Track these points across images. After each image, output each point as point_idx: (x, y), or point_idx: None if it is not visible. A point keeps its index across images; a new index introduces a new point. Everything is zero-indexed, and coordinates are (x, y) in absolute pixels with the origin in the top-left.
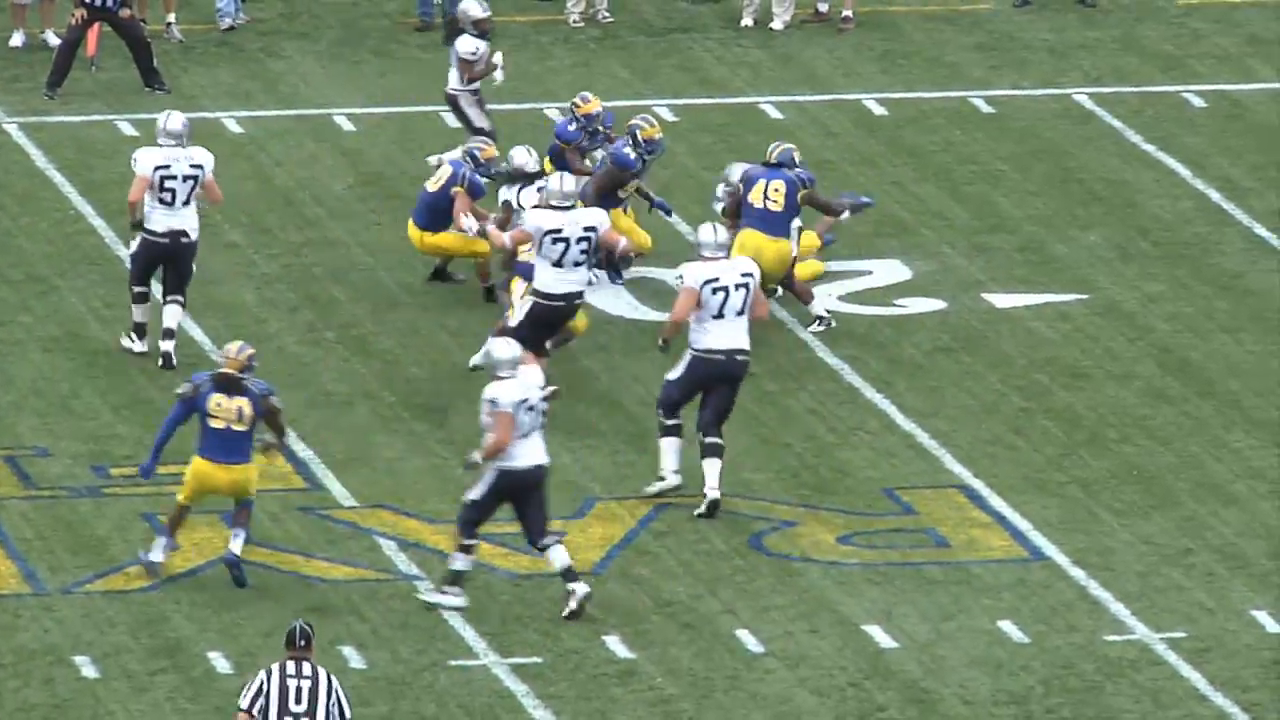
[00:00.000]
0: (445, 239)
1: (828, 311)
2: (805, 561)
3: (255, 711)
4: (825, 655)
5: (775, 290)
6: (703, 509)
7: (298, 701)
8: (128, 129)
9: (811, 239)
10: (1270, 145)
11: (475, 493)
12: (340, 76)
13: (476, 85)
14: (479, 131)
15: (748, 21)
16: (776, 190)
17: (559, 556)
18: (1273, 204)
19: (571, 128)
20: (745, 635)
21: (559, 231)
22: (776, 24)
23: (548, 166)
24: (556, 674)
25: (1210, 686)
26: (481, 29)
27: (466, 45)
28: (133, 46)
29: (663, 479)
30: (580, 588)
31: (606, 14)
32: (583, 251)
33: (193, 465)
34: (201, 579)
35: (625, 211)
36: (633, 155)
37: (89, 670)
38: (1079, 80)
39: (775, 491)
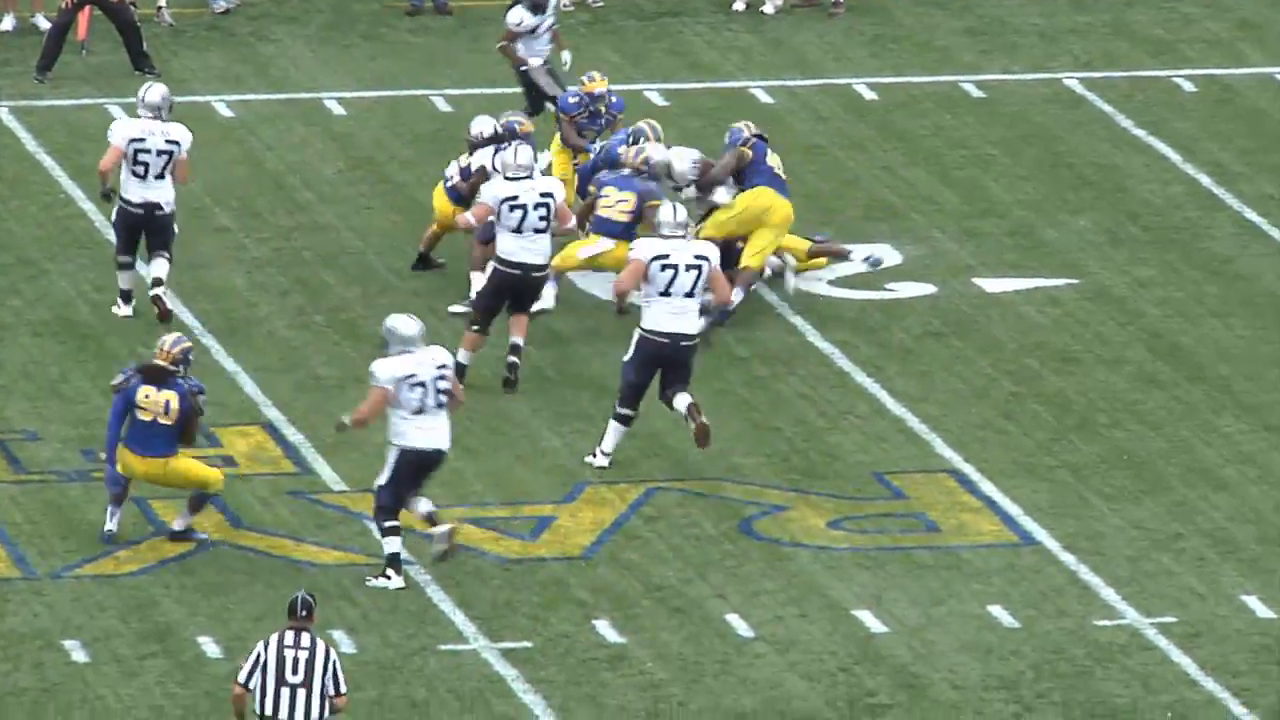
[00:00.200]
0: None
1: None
2: (795, 546)
3: (251, 685)
4: (815, 640)
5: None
6: (597, 463)
7: (294, 672)
8: (118, 113)
9: (799, 243)
10: (1260, 130)
11: (382, 477)
12: (330, 60)
13: (543, 55)
14: (550, 99)
15: (739, 6)
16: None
17: (422, 505)
18: (1263, 189)
19: (572, 100)
20: (735, 620)
21: (515, 199)
22: (768, 8)
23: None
24: (546, 658)
25: (1200, 671)
26: (536, 2)
27: (513, 16)
28: (123, 30)
29: (593, 456)
30: (442, 529)
31: None
32: (541, 218)
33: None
34: (191, 563)
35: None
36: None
37: (79, 654)
38: (1069, 65)
39: (765, 476)
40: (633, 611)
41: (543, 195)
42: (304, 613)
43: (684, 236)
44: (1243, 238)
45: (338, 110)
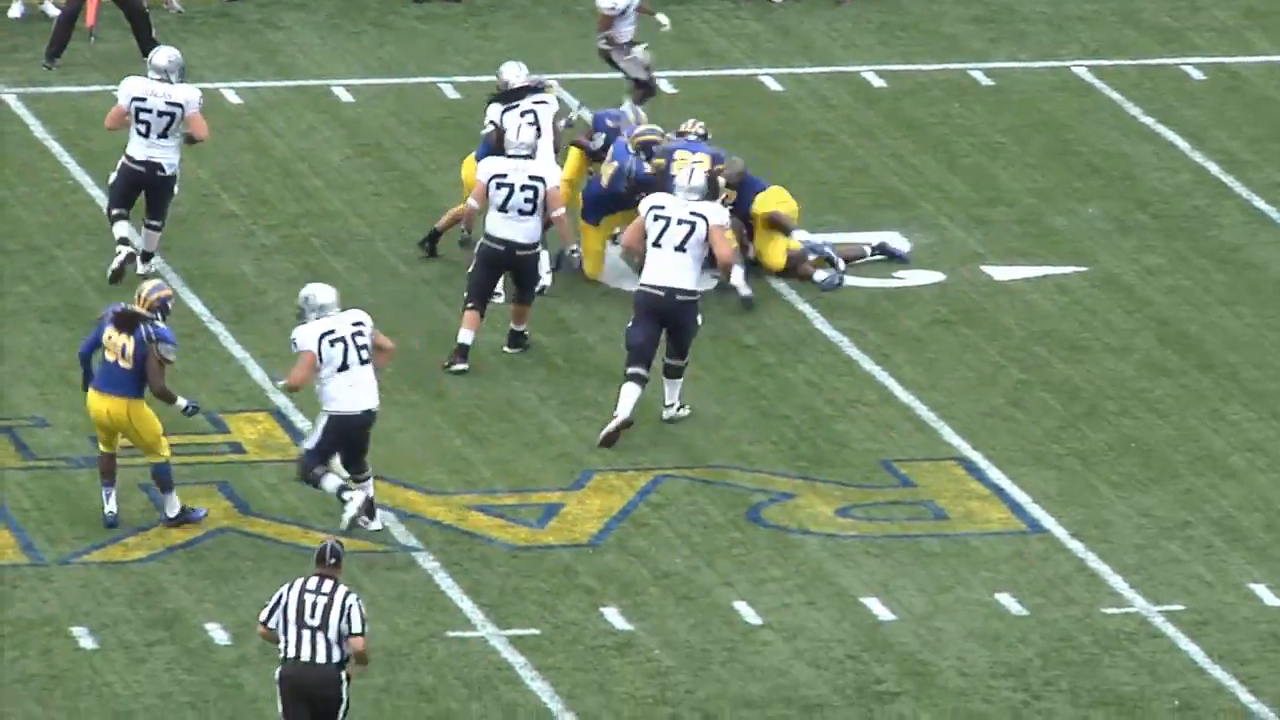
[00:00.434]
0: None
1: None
2: (803, 534)
3: (271, 624)
4: (823, 627)
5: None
6: (610, 428)
7: (312, 615)
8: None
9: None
10: (1269, 118)
11: (310, 442)
12: (339, 47)
13: (629, 38)
14: (639, 84)
15: None
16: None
17: (365, 489)
18: (1271, 177)
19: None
20: (743, 607)
21: (504, 177)
22: None
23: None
24: (554, 645)
25: (1208, 659)
26: None
27: (604, 0)
28: (131, 17)
29: (615, 417)
30: (358, 498)
31: None
32: (527, 200)
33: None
34: (199, 550)
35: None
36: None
37: (87, 641)
38: (1078, 52)
39: (773, 464)
40: (640, 599)
41: (531, 178)
42: (332, 560)
43: (697, 199)
44: (1251, 226)
45: (346, 97)
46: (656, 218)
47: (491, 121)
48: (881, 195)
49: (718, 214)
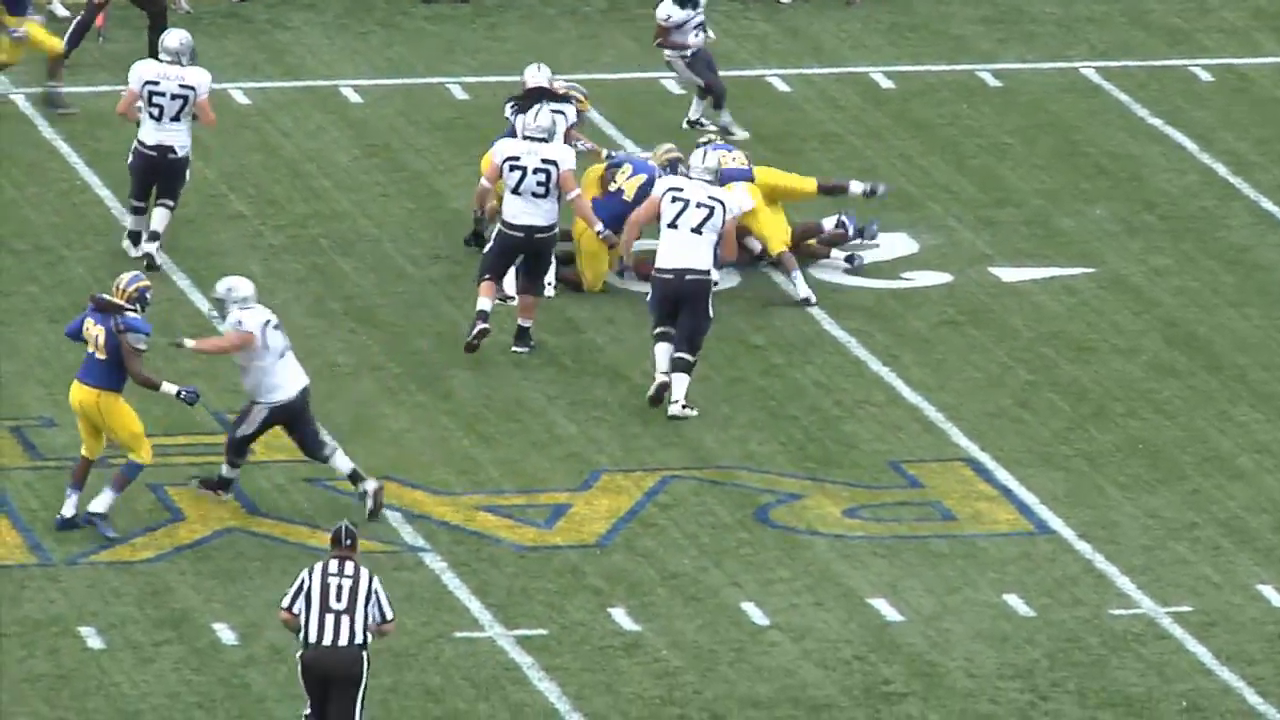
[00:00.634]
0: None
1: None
2: (811, 534)
3: (295, 610)
4: (831, 628)
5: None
6: (651, 391)
7: (338, 599)
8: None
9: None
10: (1277, 119)
11: (247, 429)
12: (347, 48)
13: (688, 47)
14: (705, 90)
15: None
16: None
17: (342, 463)
18: (1279, 178)
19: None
20: (750, 608)
21: (517, 159)
22: None
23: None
24: (562, 646)
25: (1216, 660)
26: None
27: (661, 10)
28: (154, 18)
29: (656, 377)
30: (371, 484)
31: None
32: (540, 184)
33: None
34: (207, 550)
35: None
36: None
37: (94, 641)
38: (1086, 54)
39: (781, 464)
40: (648, 599)
41: (544, 161)
42: (348, 542)
43: (709, 181)
44: (1259, 227)
45: (354, 98)
46: (674, 199)
47: (509, 118)
48: (889, 196)
49: (735, 201)
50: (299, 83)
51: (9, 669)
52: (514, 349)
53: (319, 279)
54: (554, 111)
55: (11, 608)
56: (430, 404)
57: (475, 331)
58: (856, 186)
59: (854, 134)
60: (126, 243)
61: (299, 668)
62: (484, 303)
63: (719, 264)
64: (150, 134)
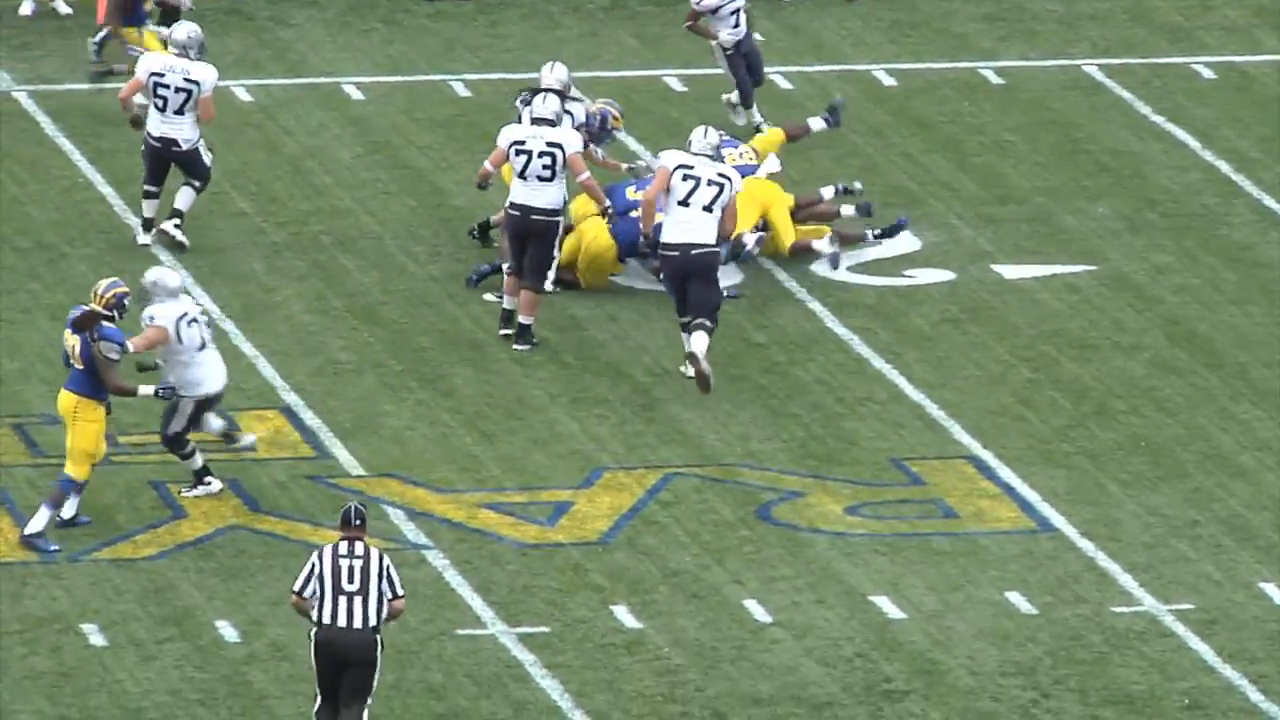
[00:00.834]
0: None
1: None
2: (813, 532)
3: (307, 594)
4: (832, 626)
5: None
6: (691, 375)
7: (350, 580)
8: (137, 97)
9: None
10: (1279, 117)
11: (178, 425)
12: (349, 45)
13: (733, 42)
14: (738, 85)
15: None
16: None
17: (247, 437)
18: None
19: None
20: (752, 605)
21: (522, 144)
22: None
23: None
24: (564, 643)
25: (1217, 658)
26: None
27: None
28: (167, 14)
29: (684, 367)
30: (247, 438)
31: None
32: (545, 167)
33: None
34: (209, 547)
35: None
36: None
37: (96, 638)
38: (1088, 51)
39: (783, 462)
40: (650, 597)
41: (549, 144)
42: (358, 522)
43: (712, 157)
44: (1261, 224)
45: (356, 95)
46: (686, 177)
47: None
48: (891, 194)
49: (739, 179)
50: (301, 80)
51: (11, 666)
52: (515, 346)
53: (321, 276)
54: (564, 110)
55: (13, 605)
56: (432, 401)
57: (507, 335)
58: (816, 123)
59: (855, 132)
60: (139, 230)
61: (312, 647)
62: (509, 301)
63: (727, 234)
64: (154, 125)
